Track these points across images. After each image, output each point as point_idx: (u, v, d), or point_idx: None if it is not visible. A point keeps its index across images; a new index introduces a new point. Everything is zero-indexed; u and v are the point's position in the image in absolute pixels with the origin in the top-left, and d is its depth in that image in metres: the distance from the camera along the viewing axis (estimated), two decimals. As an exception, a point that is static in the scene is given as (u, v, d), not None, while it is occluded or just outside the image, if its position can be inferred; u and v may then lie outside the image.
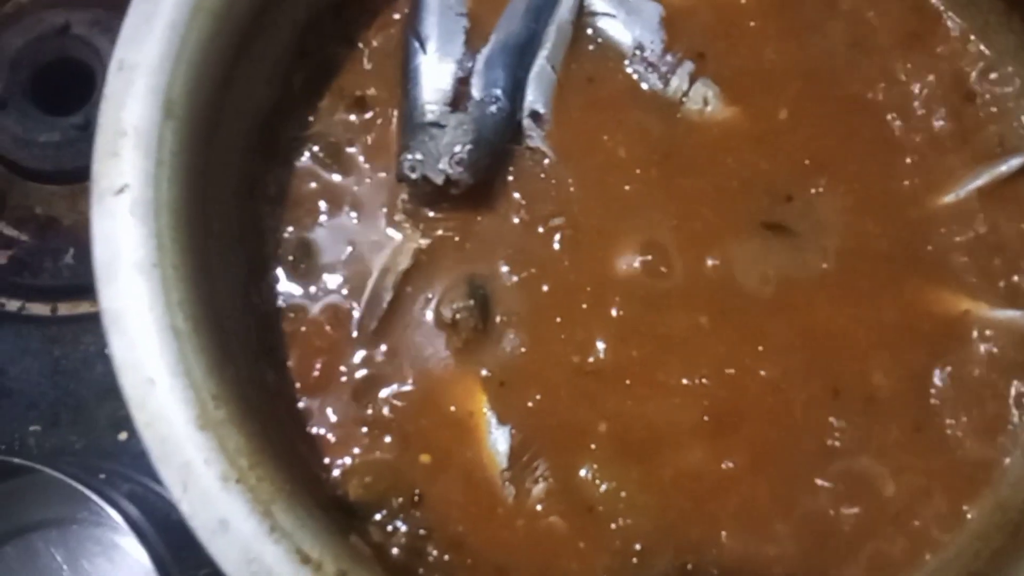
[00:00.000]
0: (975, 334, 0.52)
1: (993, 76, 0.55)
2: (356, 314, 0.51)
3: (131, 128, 0.42)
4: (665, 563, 0.49)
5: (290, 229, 0.52)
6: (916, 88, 0.55)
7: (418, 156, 0.50)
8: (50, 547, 0.61)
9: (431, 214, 0.52)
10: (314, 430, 0.50)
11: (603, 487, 0.50)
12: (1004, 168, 0.53)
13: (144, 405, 0.39)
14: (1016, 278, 0.53)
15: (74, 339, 0.66)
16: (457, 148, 0.50)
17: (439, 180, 0.50)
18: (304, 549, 0.39)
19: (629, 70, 0.55)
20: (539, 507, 0.49)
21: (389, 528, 0.49)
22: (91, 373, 0.65)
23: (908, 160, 0.54)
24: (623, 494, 0.50)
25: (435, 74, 0.53)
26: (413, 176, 0.50)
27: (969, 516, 0.50)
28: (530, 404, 0.51)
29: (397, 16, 0.56)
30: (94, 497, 0.56)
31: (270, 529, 0.39)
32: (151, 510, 0.59)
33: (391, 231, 0.52)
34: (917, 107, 0.55)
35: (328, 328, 0.51)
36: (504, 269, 0.52)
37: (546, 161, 0.54)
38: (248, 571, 0.38)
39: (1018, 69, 0.55)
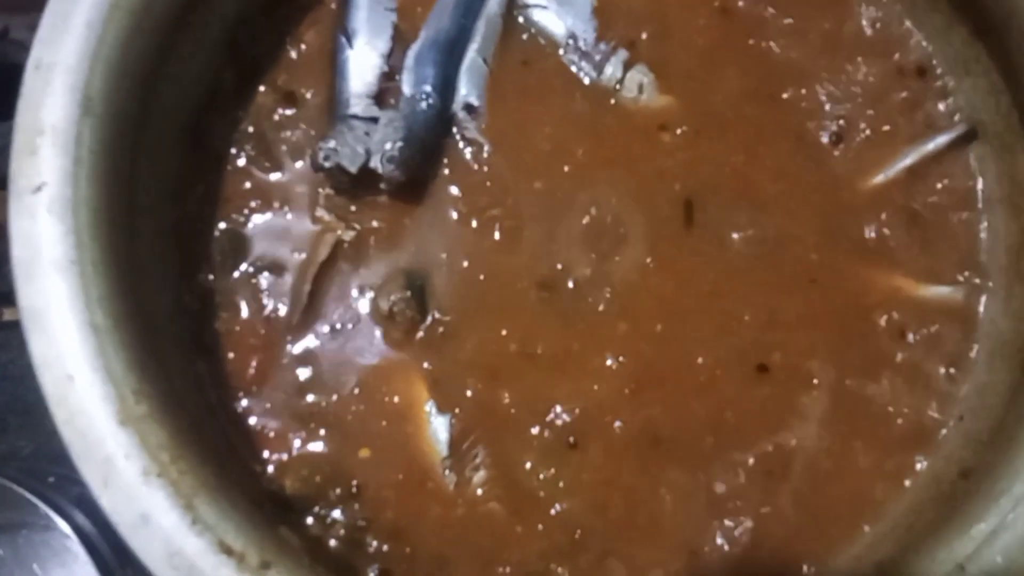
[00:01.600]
0: (906, 311, 0.52)
1: (921, 57, 0.56)
2: (283, 310, 0.51)
3: (48, 127, 0.42)
4: (601, 547, 0.49)
5: (221, 226, 0.52)
6: (846, 72, 0.56)
7: (331, 144, 0.50)
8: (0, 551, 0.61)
9: (353, 208, 0.52)
10: (251, 426, 0.50)
11: (541, 475, 0.50)
12: (931, 147, 0.54)
13: (64, 402, 0.39)
14: (945, 255, 0.53)
15: (20, 344, 0.64)
16: (388, 145, 0.51)
17: (353, 168, 0.50)
18: (227, 541, 0.39)
19: (564, 60, 0.56)
20: (479, 493, 0.50)
21: (328, 521, 0.49)
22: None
23: (838, 144, 0.54)
24: (561, 484, 0.50)
25: (361, 68, 0.53)
26: (327, 165, 0.50)
27: (903, 489, 0.50)
28: (469, 393, 0.51)
29: (329, 13, 0.56)
30: (40, 504, 0.56)
31: (192, 522, 0.39)
32: (99, 515, 0.58)
33: (316, 225, 0.52)
34: (847, 91, 0.55)
35: (260, 326, 0.51)
36: (441, 260, 0.52)
37: (484, 153, 0.54)
38: (170, 565, 0.38)
39: (944, 49, 0.55)
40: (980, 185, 0.54)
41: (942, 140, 0.54)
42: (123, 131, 0.45)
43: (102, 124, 0.43)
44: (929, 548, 0.43)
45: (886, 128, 0.55)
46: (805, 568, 0.49)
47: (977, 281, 0.53)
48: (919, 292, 0.53)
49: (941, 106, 0.55)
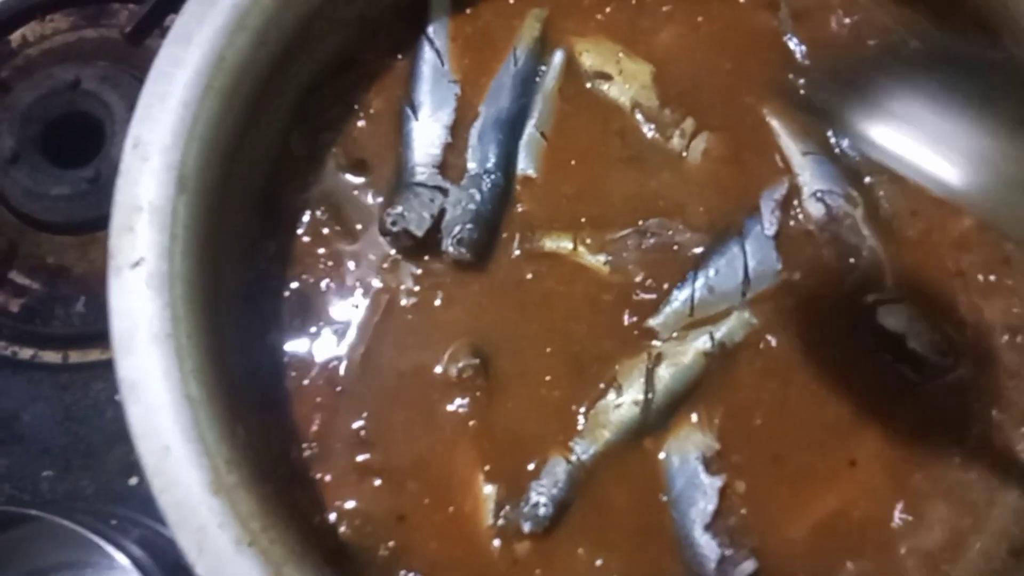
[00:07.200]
0: None
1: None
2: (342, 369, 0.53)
3: (146, 204, 0.44)
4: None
5: (292, 286, 0.54)
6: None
7: (399, 210, 0.53)
8: (65, 591, 0.62)
9: (419, 271, 0.54)
10: (311, 479, 0.51)
11: (580, 550, 0.51)
12: None
13: (161, 471, 0.41)
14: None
15: (84, 386, 0.67)
16: (457, 228, 0.53)
17: (419, 232, 0.53)
18: (313, 609, 0.41)
19: (630, 123, 0.57)
20: (523, 562, 0.51)
21: (386, 577, 0.50)
22: (101, 419, 0.67)
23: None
24: (598, 562, 0.51)
25: (426, 139, 0.55)
26: (394, 229, 0.53)
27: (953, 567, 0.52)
28: (531, 468, 0.52)
29: (395, 81, 0.58)
30: (104, 545, 0.58)
31: (281, 590, 0.41)
32: (161, 555, 0.60)
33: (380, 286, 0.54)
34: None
35: (325, 383, 0.53)
36: (506, 326, 0.54)
37: (539, 221, 0.56)
38: (260, 631, 0.40)
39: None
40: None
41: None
42: (210, 205, 0.47)
43: (194, 200, 0.46)
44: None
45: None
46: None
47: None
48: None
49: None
